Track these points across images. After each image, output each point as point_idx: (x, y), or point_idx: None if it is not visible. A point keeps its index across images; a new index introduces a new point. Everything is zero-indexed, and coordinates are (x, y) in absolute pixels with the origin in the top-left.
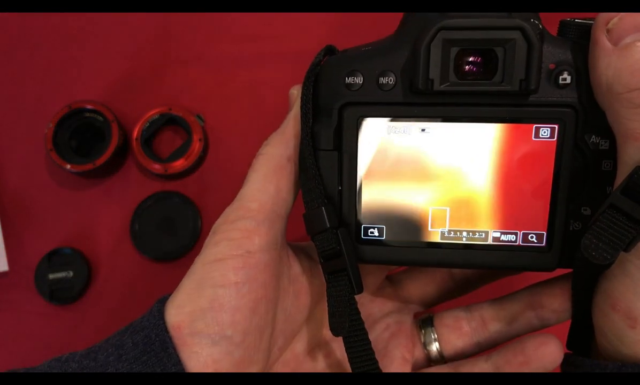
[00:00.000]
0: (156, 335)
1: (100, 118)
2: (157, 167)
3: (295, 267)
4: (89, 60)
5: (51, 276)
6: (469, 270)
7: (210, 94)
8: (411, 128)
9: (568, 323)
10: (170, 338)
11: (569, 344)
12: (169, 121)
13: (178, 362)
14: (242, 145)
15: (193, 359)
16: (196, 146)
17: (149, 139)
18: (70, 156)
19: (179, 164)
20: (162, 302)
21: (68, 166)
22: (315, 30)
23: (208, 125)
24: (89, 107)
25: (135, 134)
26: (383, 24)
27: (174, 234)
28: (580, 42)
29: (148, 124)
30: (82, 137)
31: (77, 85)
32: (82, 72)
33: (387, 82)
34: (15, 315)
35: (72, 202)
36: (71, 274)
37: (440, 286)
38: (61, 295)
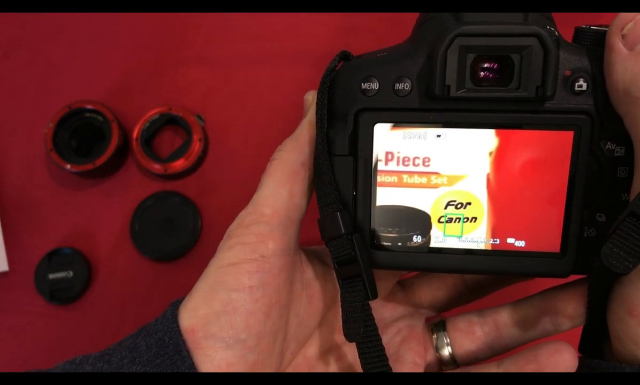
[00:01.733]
0: (170, 339)
1: (101, 118)
2: (157, 167)
3: (309, 272)
4: (89, 60)
5: (51, 276)
6: (481, 275)
7: (210, 94)
8: (427, 134)
9: (578, 328)
10: (184, 341)
11: (581, 348)
12: (169, 121)
13: (192, 365)
14: (242, 145)
15: (207, 362)
16: (196, 146)
17: (149, 139)
18: (71, 156)
19: (179, 164)
20: (176, 305)
21: (68, 166)
22: (316, 31)
23: (208, 125)
24: (89, 107)
25: (135, 134)
26: (383, 24)
27: (174, 234)
28: (595, 49)
29: (148, 124)
30: (82, 137)
31: (77, 85)
32: (82, 72)
33: (403, 87)
34: (16, 315)
35: (72, 202)
36: (71, 274)
37: (451, 291)
38: (61, 295)
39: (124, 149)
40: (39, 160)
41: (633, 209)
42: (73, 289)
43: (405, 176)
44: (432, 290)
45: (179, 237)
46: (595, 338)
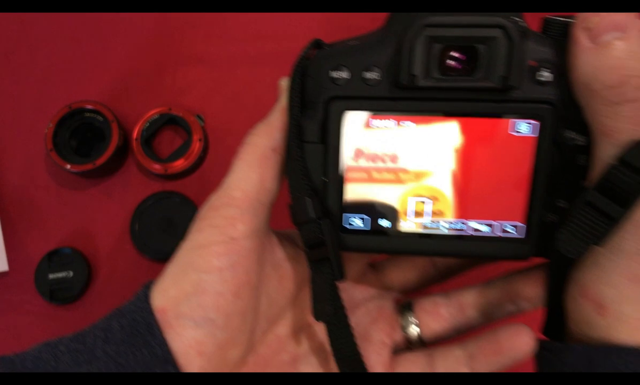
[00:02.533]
0: (142, 318)
1: (100, 118)
2: (157, 167)
3: (279, 254)
4: (89, 60)
5: (51, 276)
6: (451, 259)
7: (210, 94)
8: (394, 122)
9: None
10: (155, 320)
11: (545, 331)
12: (169, 121)
13: (163, 342)
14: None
15: (177, 340)
16: (196, 146)
17: (149, 139)
18: (71, 156)
19: (179, 164)
20: (148, 287)
21: (68, 166)
22: (316, 31)
23: (208, 125)
24: (89, 107)
25: (135, 134)
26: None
27: (174, 234)
28: (561, 40)
29: (148, 124)
30: (82, 137)
31: (77, 85)
32: (82, 72)
33: (372, 77)
34: (15, 315)
35: (72, 202)
36: (71, 274)
37: (421, 273)
38: (61, 295)
39: (124, 149)
40: (39, 160)
41: (587, 198)
42: (73, 289)
43: (373, 163)
44: (402, 273)
45: (179, 237)
46: (556, 321)
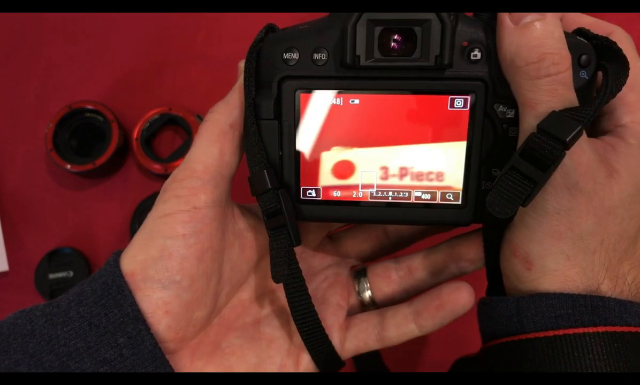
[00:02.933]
0: (112, 281)
1: (101, 118)
2: (157, 167)
3: (241, 223)
4: (89, 60)
5: (51, 276)
6: (402, 229)
7: (210, 94)
8: (341, 99)
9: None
10: (126, 283)
11: (488, 291)
12: (169, 121)
13: (133, 302)
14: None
15: (145, 301)
16: None
17: (149, 139)
18: (71, 156)
19: (179, 164)
20: (118, 254)
21: (68, 166)
22: None
23: None
24: (89, 107)
25: (135, 134)
26: None
27: None
28: (490, 23)
29: (148, 124)
30: (82, 137)
31: (77, 85)
32: (82, 72)
33: (320, 57)
34: None
35: (73, 202)
36: (71, 274)
37: (375, 243)
38: None
39: (124, 149)
40: (39, 160)
41: (513, 164)
42: None
43: (324, 137)
44: (357, 243)
45: None
46: (495, 280)
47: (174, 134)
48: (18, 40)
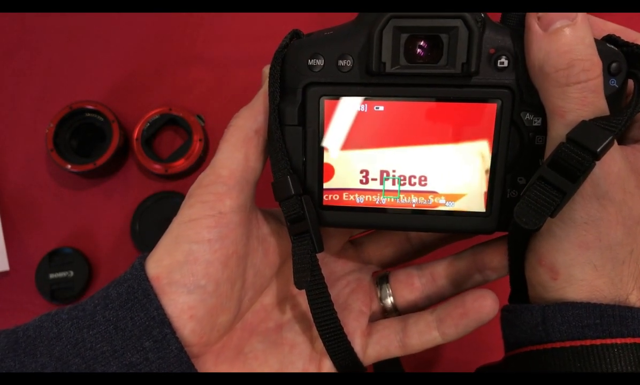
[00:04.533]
0: (138, 285)
1: (101, 118)
2: (157, 167)
3: (264, 229)
4: (90, 60)
5: (52, 276)
6: (425, 235)
7: (210, 94)
8: (366, 106)
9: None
10: (151, 287)
11: (510, 298)
12: (169, 121)
13: (159, 306)
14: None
15: (171, 305)
16: (196, 146)
17: (149, 139)
18: (71, 156)
19: (180, 164)
20: (143, 258)
21: (69, 166)
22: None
23: (208, 126)
24: (89, 107)
25: (135, 134)
26: None
27: None
28: (518, 29)
29: (148, 124)
30: (82, 137)
31: (77, 85)
32: (82, 73)
33: (345, 64)
34: (16, 315)
35: (73, 202)
36: (72, 273)
37: (397, 248)
38: (62, 295)
39: (124, 149)
40: (40, 160)
41: (541, 173)
42: (73, 288)
43: (348, 144)
44: (380, 248)
45: None
46: (518, 288)
47: (174, 134)
48: (18, 40)
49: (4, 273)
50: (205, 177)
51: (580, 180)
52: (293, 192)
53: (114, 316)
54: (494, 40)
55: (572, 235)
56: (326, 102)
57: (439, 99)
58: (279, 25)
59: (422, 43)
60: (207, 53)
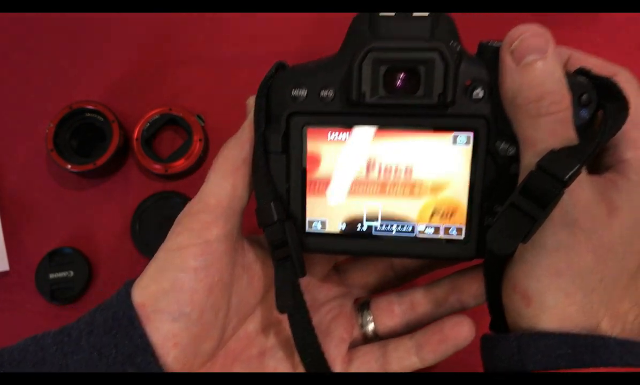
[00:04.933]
0: (123, 312)
1: (101, 118)
2: (157, 167)
3: (249, 256)
4: (90, 60)
5: (52, 276)
6: (408, 263)
7: (210, 94)
8: (347, 134)
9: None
10: (136, 314)
11: (491, 326)
12: (169, 121)
13: (143, 334)
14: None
15: (155, 332)
16: (196, 146)
17: (149, 139)
18: (71, 156)
19: (180, 164)
20: (129, 284)
21: (69, 166)
22: (315, 31)
23: (208, 126)
24: (89, 107)
25: (135, 134)
26: None
27: None
28: (493, 62)
29: (148, 124)
30: (82, 137)
31: (77, 85)
32: (82, 73)
33: (327, 94)
34: (16, 315)
35: (73, 202)
36: (72, 273)
37: (381, 276)
38: (62, 295)
39: (124, 149)
40: (40, 160)
41: (513, 200)
42: (74, 289)
43: (330, 171)
44: (363, 275)
45: None
46: (497, 316)
47: (174, 134)
48: (18, 40)
49: (4, 273)
50: (193, 205)
51: (550, 207)
52: (276, 218)
53: (98, 342)
54: (470, 72)
55: (543, 261)
56: (309, 131)
57: (416, 128)
58: (279, 25)
59: (400, 74)
60: (207, 53)
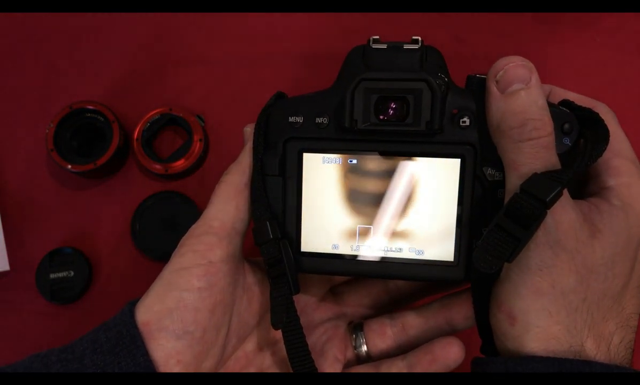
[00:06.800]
0: (127, 331)
1: (101, 118)
2: (157, 167)
3: (250, 278)
4: (90, 60)
5: (52, 276)
6: (403, 287)
7: (210, 94)
8: (340, 159)
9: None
10: (139, 333)
11: (481, 349)
12: (169, 121)
13: (145, 353)
14: (242, 146)
15: (159, 350)
16: (196, 146)
17: (149, 139)
18: (71, 156)
19: (180, 164)
20: (133, 304)
21: (69, 166)
22: (315, 31)
23: (208, 126)
24: (89, 107)
25: (135, 134)
26: (382, 25)
27: (174, 234)
28: (480, 92)
29: (149, 124)
30: (83, 137)
31: (78, 85)
32: (83, 73)
33: (322, 121)
34: (17, 314)
35: (73, 202)
36: (72, 273)
37: (375, 299)
38: (62, 295)
39: (124, 149)
40: (40, 160)
41: (497, 222)
42: (74, 288)
43: (324, 194)
44: (358, 297)
45: (180, 237)
46: (487, 338)
47: (174, 134)
48: (18, 40)
49: (4, 273)
50: (197, 228)
51: (533, 228)
52: (272, 237)
53: (101, 360)
54: (457, 101)
55: (527, 281)
56: (304, 155)
57: (406, 154)
58: (279, 25)
59: (390, 103)
60: (207, 53)
